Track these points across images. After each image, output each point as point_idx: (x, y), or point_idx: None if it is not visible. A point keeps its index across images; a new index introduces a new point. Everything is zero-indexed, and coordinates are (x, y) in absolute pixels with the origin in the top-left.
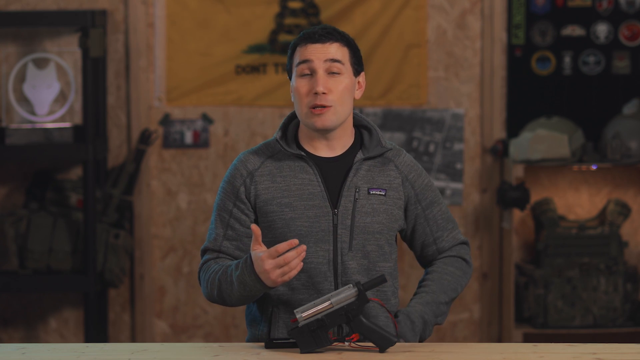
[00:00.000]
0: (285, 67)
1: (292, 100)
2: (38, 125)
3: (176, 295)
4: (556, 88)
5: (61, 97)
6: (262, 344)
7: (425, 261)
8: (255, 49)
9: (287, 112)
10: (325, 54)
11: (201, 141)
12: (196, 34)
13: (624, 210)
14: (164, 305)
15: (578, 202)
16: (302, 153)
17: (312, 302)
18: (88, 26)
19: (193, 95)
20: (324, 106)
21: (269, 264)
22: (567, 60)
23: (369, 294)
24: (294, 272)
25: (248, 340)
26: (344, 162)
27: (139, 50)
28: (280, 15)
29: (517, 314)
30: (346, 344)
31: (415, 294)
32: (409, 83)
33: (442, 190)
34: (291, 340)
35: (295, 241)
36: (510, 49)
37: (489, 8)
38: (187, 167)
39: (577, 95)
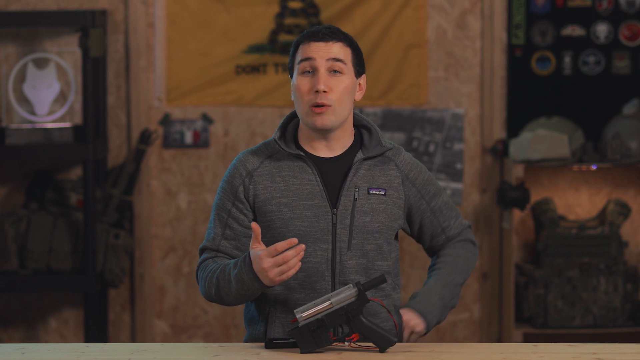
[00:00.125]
0: (285, 67)
1: (293, 98)
2: (38, 125)
3: (176, 295)
4: (556, 88)
5: (61, 97)
6: (262, 344)
7: (434, 250)
8: (255, 49)
9: (287, 112)
10: (327, 52)
11: (201, 141)
12: (196, 34)
13: (624, 210)
14: (164, 305)
15: (578, 202)
16: (301, 153)
17: (312, 302)
18: (88, 26)
19: (193, 95)
20: (324, 105)
21: (267, 262)
22: (567, 60)
23: (369, 293)
24: (292, 272)
25: (246, 340)
26: (343, 162)
27: (139, 50)
28: (280, 15)
29: (517, 314)
30: (346, 344)
31: (430, 277)
32: (409, 83)
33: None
34: (291, 340)
35: (295, 240)
36: (510, 49)
37: (489, 8)
38: (187, 167)
39: (577, 95)
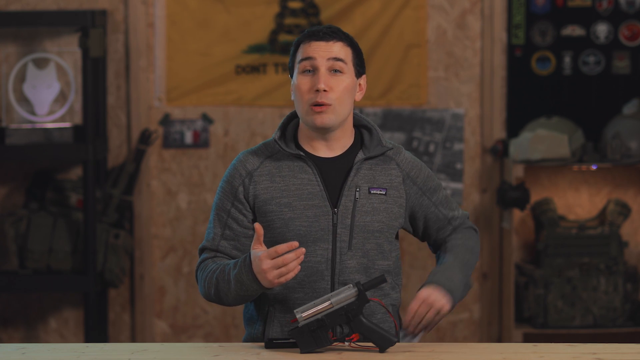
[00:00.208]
0: (285, 67)
1: (293, 98)
2: (38, 125)
3: (176, 295)
4: (556, 88)
5: (61, 97)
6: (262, 344)
7: (440, 243)
8: (255, 49)
9: (287, 112)
10: (328, 52)
11: (201, 141)
12: (196, 34)
13: (624, 210)
14: (164, 305)
15: (578, 202)
16: (301, 153)
17: (312, 302)
18: (88, 26)
19: (193, 95)
20: (324, 104)
21: (267, 264)
22: (567, 60)
23: (369, 293)
24: (291, 275)
25: (245, 340)
26: (343, 162)
27: (139, 50)
28: (280, 15)
29: (517, 314)
30: (346, 344)
31: (443, 257)
32: (409, 83)
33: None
34: (291, 340)
35: (296, 243)
36: (510, 49)
37: (489, 8)
38: (187, 167)
39: (577, 95)
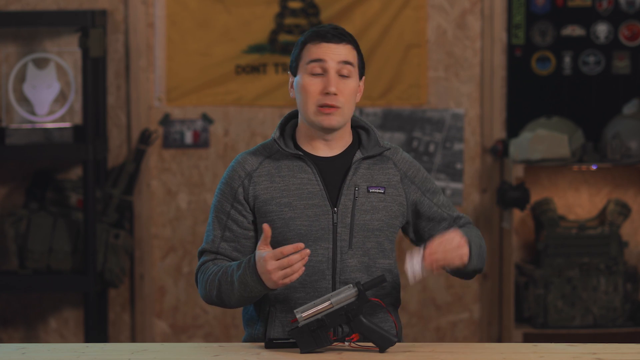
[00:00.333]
0: (285, 67)
1: (294, 96)
2: (38, 125)
3: (176, 295)
4: (556, 88)
5: (61, 97)
6: (262, 344)
7: None
8: (255, 49)
9: (287, 112)
10: (338, 55)
11: (201, 141)
12: (196, 34)
13: (624, 210)
14: (164, 305)
15: (578, 202)
16: (300, 153)
17: (312, 302)
18: (88, 26)
19: (193, 95)
20: (333, 106)
21: (271, 264)
22: (567, 60)
23: (369, 293)
24: (296, 276)
25: (245, 341)
26: (342, 161)
27: (139, 50)
28: (280, 15)
29: (517, 314)
30: (346, 344)
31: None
32: (409, 83)
33: (441, 191)
34: (291, 340)
35: (301, 245)
36: (510, 49)
37: (489, 8)
38: (187, 167)
39: (577, 95)
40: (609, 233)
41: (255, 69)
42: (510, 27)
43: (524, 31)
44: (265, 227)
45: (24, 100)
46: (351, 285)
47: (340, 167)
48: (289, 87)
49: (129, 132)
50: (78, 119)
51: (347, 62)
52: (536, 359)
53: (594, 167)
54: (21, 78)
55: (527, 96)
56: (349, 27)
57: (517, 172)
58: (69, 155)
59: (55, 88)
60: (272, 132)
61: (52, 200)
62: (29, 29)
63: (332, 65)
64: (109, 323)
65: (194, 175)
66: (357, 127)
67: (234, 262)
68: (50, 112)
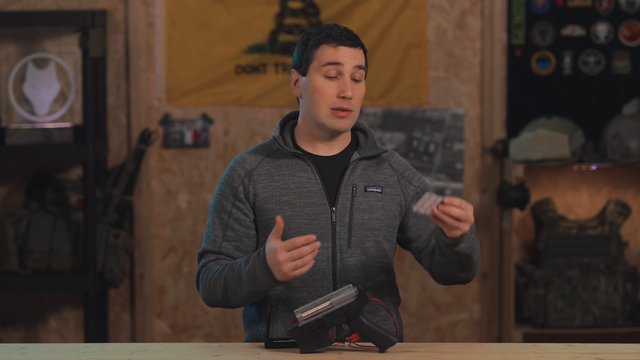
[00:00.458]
0: (285, 67)
1: (297, 94)
2: (38, 125)
3: (176, 295)
4: (556, 88)
5: (61, 97)
6: (262, 344)
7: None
8: (255, 49)
9: (287, 112)
10: (354, 59)
11: (201, 141)
12: (196, 34)
13: (624, 210)
14: (164, 305)
15: (578, 202)
16: (299, 152)
17: (312, 302)
18: (88, 26)
19: (193, 95)
20: (348, 110)
21: (282, 255)
22: (567, 60)
23: (369, 293)
24: (306, 268)
25: (246, 342)
26: (340, 161)
27: (139, 50)
28: (280, 15)
29: (517, 314)
30: (346, 344)
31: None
32: (409, 83)
33: (442, 191)
34: (291, 340)
35: (313, 237)
36: (510, 49)
37: (489, 8)
38: (187, 167)
39: (577, 95)
40: (609, 233)
41: (255, 69)
42: (510, 27)
43: (524, 31)
44: (279, 219)
45: (24, 100)
46: (351, 285)
47: (339, 166)
48: (292, 84)
49: (129, 132)
50: (78, 119)
51: (360, 67)
52: (536, 359)
53: (594, 167)
54: (21, 78)
55: (527, 96)
56: (349, 27)
57: (517, 172)
58: (69, 155)
59: (55, 88)
60: (272, 132)
61: (52, 200)
62: (29, 29)
63: (348, 69)
64: (109, 323)
65: (194, 175)
66: (355, 129)
67: (241, 258)
68: (50, 112)
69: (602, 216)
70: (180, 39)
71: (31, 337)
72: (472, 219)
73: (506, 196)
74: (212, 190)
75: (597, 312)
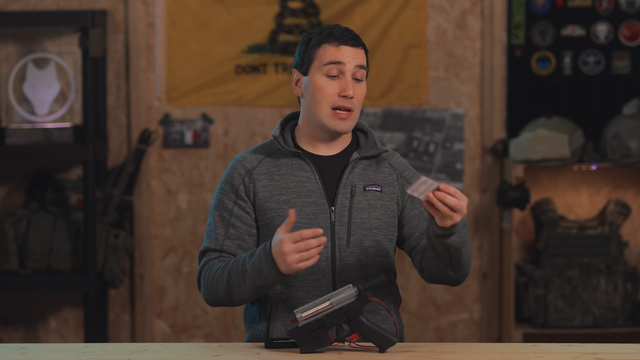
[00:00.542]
0: (285, 67)
1: (299, 93)
2: (38, 125)
3: (176, 295)
4: (556, 88)
5: (61, 97)
6: (262, 344)
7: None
8: (255, 49)
9: (287, 112)
10: (355, 58)
11: (201, 141)
12: (196, 34)
13: (624, 210)
14: (164, 305)
15: (578, 202)
16: (299, 151)
17: (312, 302)
18: (88, 26)
19: (193, 95)
20: (347, 109)
21: (288, 246)
22: (567, 60)
23: (369, 293)
24: (311, 262)
25: (247, 342)
26: (340, 161)
27: (139, 50)
28: (280, 15)
29: (517, 314)
30: (346, 344)
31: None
32: (409, 83)
33: None
34: (291, 340)
35: (320, 230)
36: (510, 49)
37: (489, 8)
38: (187, 167)
39: (577, 95)
40: (609, 233)
41: (255, 69)
42: (510, 27)
43: (524, 31)
44: (292, 212)
45: (24, 100)
46: (351, 285)
47: (338, 165)
48: (293, 84)
49: (129, 132)
50: (78, 119)
51: (362, 67)
52: (536, 359)
53: (594, 167)
54: (21, 78)
55: (527, 96)
56: (349, 27)
57: (517, 172)
58: (69, 155)
59: (55, 88)
60: (272, 132)
61: (52, 200)
62: (29, 29)
63: (349, 69)
64: (109, 323)
65: (194, 175)
66: (356, 129)
67: (245, 253)
68: (50, 112)
69: (602, 216)
70: (180, 39)
71: (31, 337)
72: (465, 210)
73: (506, 196)
74: (212, 190)
75: (597, 312)
